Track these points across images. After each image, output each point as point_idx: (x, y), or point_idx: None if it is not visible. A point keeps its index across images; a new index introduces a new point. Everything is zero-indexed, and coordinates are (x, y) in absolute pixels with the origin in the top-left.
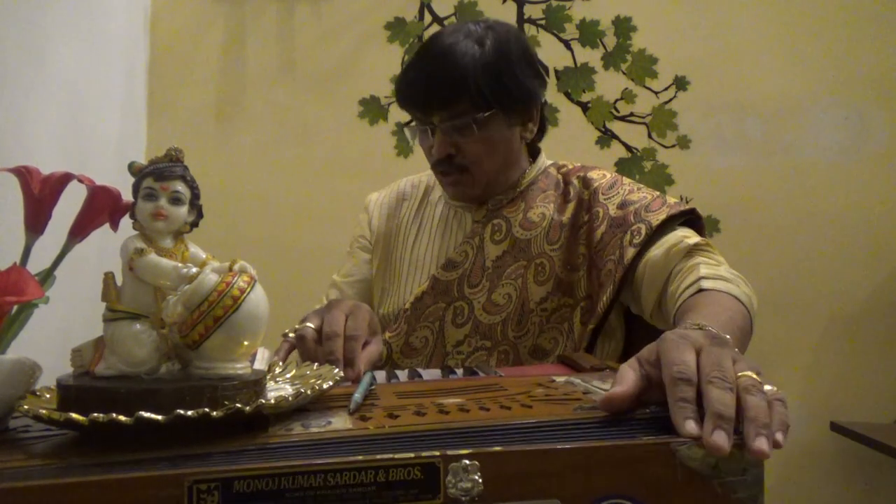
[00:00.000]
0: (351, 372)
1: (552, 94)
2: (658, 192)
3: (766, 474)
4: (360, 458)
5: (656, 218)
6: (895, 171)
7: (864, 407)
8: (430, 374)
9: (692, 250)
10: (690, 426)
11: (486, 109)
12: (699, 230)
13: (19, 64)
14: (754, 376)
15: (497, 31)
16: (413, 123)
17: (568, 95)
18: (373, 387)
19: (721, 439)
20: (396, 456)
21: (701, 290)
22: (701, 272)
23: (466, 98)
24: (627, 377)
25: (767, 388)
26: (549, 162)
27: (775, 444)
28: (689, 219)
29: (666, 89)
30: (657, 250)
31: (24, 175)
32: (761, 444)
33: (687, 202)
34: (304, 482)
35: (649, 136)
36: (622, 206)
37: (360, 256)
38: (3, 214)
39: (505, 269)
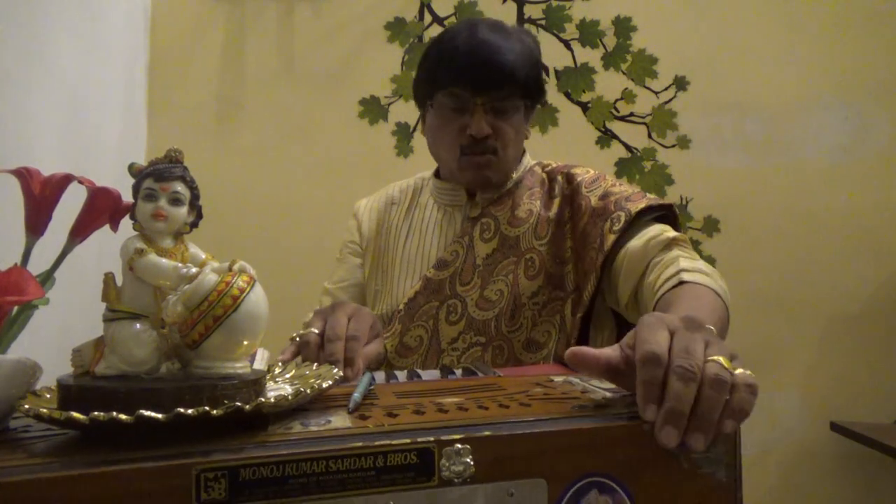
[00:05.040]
0: (350, 371)
1: (552, 94)
2: (640, 188)
3: (767, 474)
4: (360, 444)
5: (635, 206)
6: (895, 171)
7: (864, 407)
8: (429, 374)
9: (671, 243)
10: (650, 411)
11: (524, 98)
12: (675, 228)
13: (19, 64)
14: (722, 360)
15: (528, 33)
16: (434, 105)
17: (568, 95)
18: (372, 387)
19: (668, 436)
20: (394, 442)
21: (682, 283)
22: (681, 265)
23: (514, 84)
24: (605, 350)
25: (738, 371)
26: (534, 161)
27: (722, 431)
28: (666, 215)
29: (666, 89)
30: (636, 241)
31: (24, 176)
32: (697, 440)
33: (687, 202)
34: (307, 468)
35: (649, 136)
36: (603, 196)
37: (350, 261)
38: (4, 215)
39: (496, 265)
